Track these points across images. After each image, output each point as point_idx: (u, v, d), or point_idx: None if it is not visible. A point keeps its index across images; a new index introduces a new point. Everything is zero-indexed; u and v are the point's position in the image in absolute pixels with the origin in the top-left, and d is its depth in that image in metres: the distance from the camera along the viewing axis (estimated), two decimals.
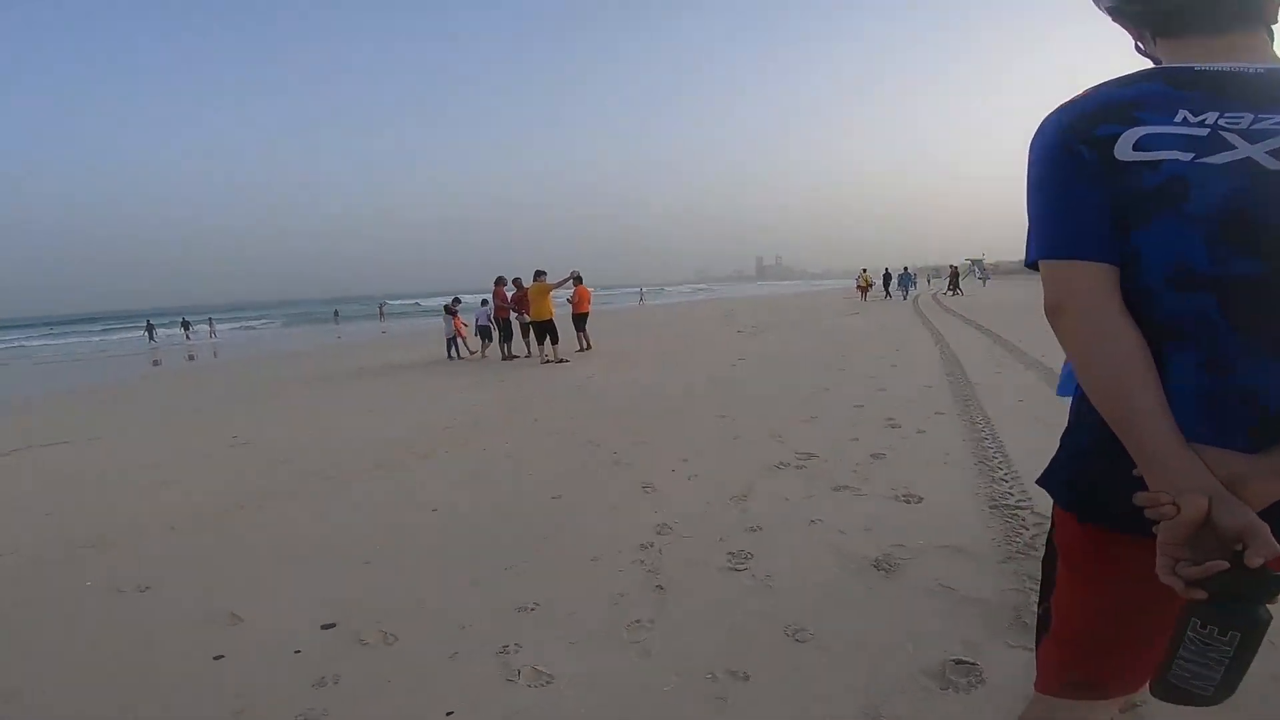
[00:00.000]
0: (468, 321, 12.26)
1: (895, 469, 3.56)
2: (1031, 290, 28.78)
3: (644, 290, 52.51)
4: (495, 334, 11.72)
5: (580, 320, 11.86)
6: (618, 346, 12.39)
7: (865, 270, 27.71)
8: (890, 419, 4.69)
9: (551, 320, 10.50)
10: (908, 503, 3.05)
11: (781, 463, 3.82)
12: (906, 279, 27.24)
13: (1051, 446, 0.91)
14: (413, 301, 67.91)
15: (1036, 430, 4.02)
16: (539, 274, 10.81)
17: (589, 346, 11.70)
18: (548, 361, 10.29)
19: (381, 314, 38.28)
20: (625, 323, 19.81)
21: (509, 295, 11.61)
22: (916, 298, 25.64)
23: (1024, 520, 2.70)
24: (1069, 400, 0.92)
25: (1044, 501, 2.69)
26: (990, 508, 2.88)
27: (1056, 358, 7.06)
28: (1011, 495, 3.01)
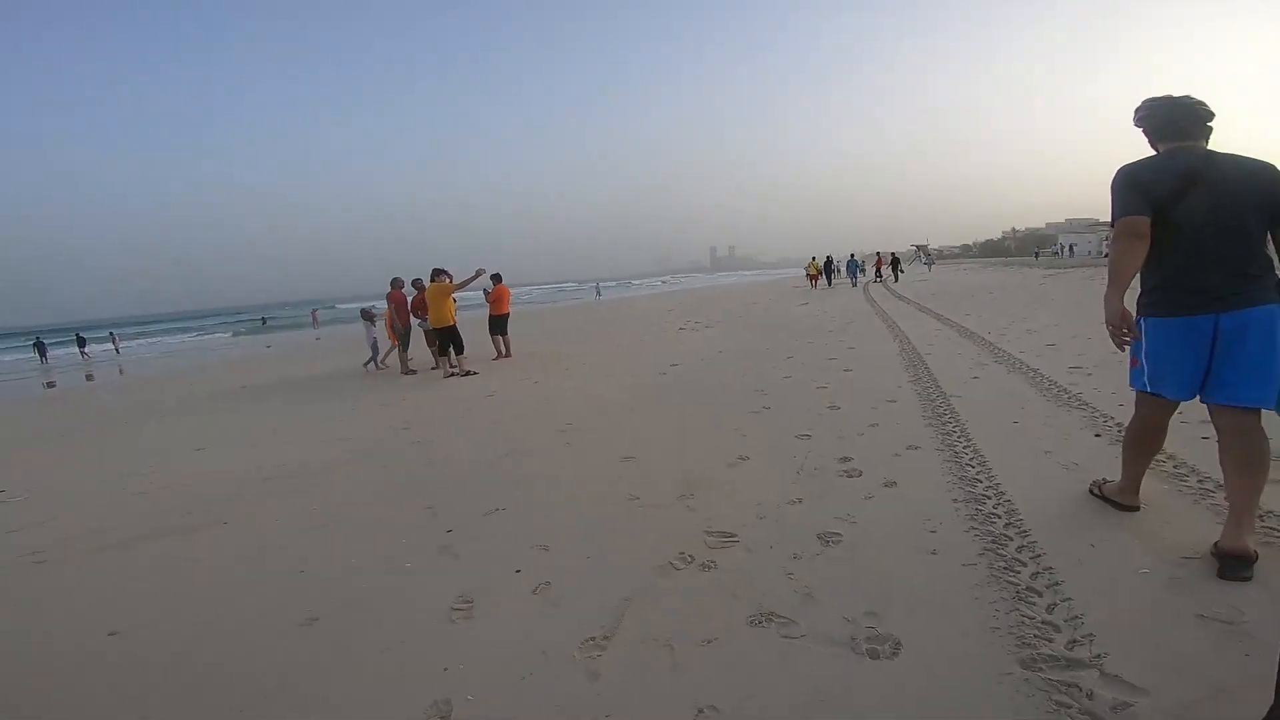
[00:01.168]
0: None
1: (857, 565, 2.30)
2: (975, 274, 29.17)
3: (600, 285, 51.13)
4: (379, 348, 10.32)
5: (498, 324, 10.38)
6: (550, 350, 10.99)
7: (815, 259, 27.27)
8: (845, 461, 3.45)
9: (453, 326, 8.97)
10: (875, 658, 1.76)
11: (684, 555, 2.50)
12: (854, 265, 26.81)
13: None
14: (364, 305, 64.40)
15: (1065, 482, 2.87)
16: (438, 273, 9.25)
17: (507, 353, 10.26)
18: (453, 374, 8.80)
19: (316, 320, 35.60)
20: (571, 322, 18.38)
21: (408, 299, 10.07)
22: (867, 284, 25.02)
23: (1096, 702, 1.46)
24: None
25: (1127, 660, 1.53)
26: (1025, 671, 1.63)
27: (1037, 354, 5.71)
28: (1058, 633, 1.77)
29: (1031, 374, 5.14)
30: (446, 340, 8.99)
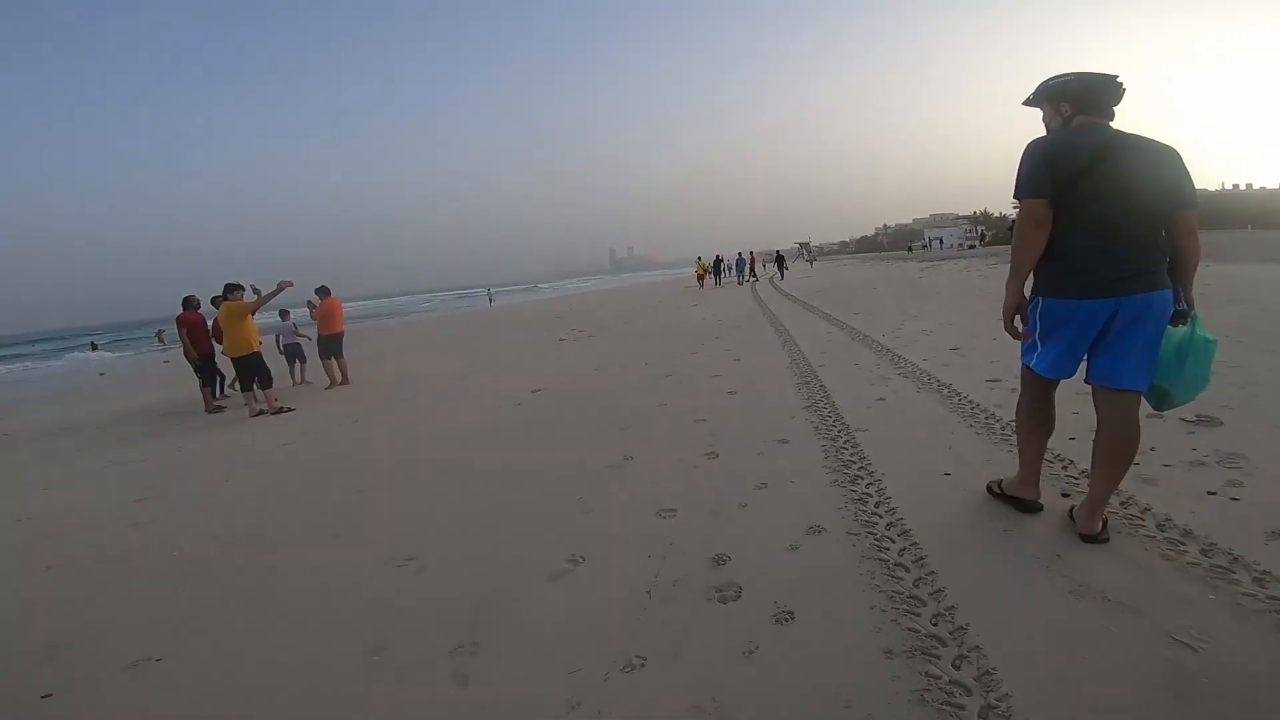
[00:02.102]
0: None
1: None
2: (856, 269, 29.99)
3: (491, 291, 48.56)
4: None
5: (330, 345, 8.56)
6: (408, 369, 9.33)
7: (701, 258, 27.41)
8: (719, 565, 2.28)
9: (255, 355, 7.12)
10: None
11: None
12: (741, 264, 26.87)
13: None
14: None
15: (1057, 602, 1.85)
16: (230, 290, 7.33)
17: (344, 379, 8.48)
18: (261, 412, 6.97)
19: (161, 340, 29.72)
20: (449, 333, 16.52)
21: (209, 322, 8.06)
22: (755, 283, 24.90)
23: None
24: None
25: None
26: None
27: (944, 362, 5.35)
28: None
29: (945, 391, 4.29)
30: (246, 372, 7.13)
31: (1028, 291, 2.14)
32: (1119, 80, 2.02)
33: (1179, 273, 1.98)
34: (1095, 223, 1.92)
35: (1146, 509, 2.25)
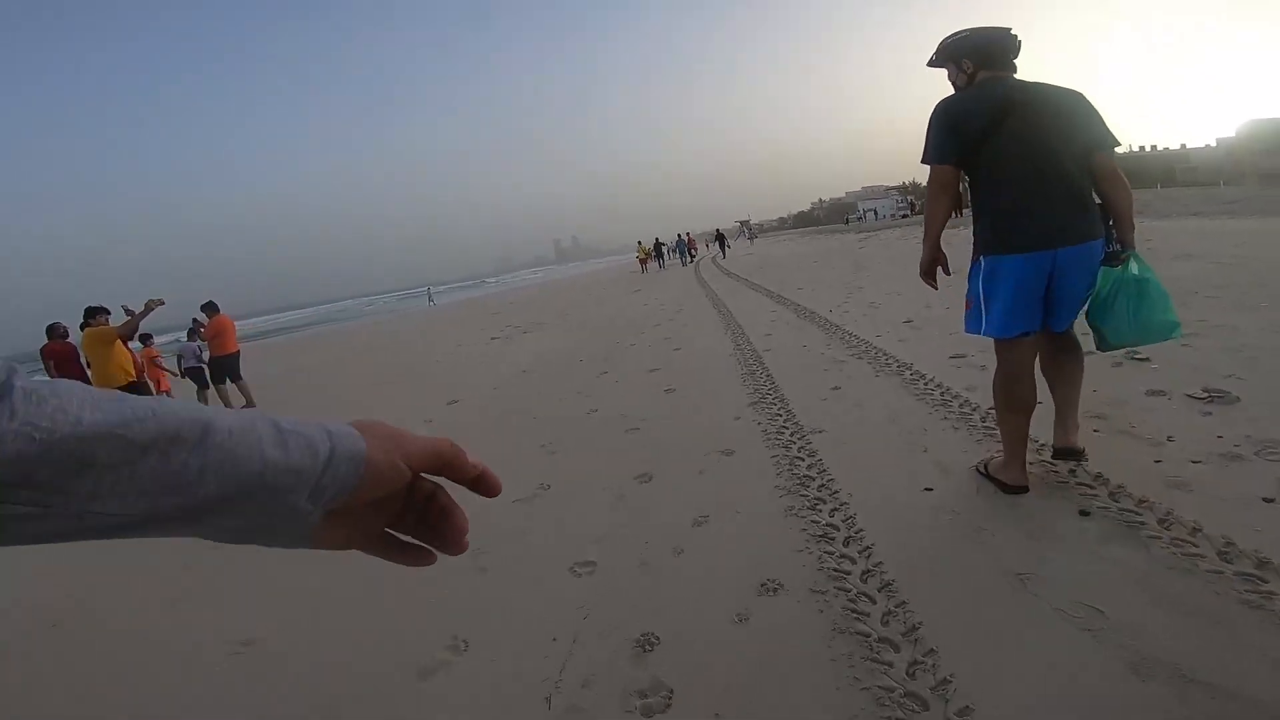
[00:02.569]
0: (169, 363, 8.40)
1: None
2: (796, 244, 29.94)
3: (432, 290, 46.53)
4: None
5: (225, 367, 7.53)
6: (317, 384, 8.42)
7: (641, 243, 26.89)
8: (646, 649, 1.67)
9: (131, 385, 6.18)
10: None
11: None
12: (682, 245, 26.50)
13: None
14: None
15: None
16: (93, 314, 6.27)
17: (247, 403, 7.49)
18: None
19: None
20: (377, 339, 15.32)
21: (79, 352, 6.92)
22: (698, 262, 24.48)
23: None
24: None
25: None
26: None
27: (898, 337, 4.81)
28: None
29: (907, 374, 3.79)
30: None
31: (960, 255, 2.11)
32: (1013, 33, 2.03)
33: (1112, 217, 1.96)
34: (1016, 176, 1.91)
35: (1195, 529, 1.73)
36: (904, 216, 46.57)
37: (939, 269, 2.18)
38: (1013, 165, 1.90)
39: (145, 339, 8.62)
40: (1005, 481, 2.12)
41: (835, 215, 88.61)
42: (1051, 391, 2.16)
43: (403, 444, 0.40)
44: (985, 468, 2.27)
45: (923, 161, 2.03)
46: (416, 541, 0.45)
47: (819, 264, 13.61)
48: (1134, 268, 1.92)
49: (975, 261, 2.05)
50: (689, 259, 26.58)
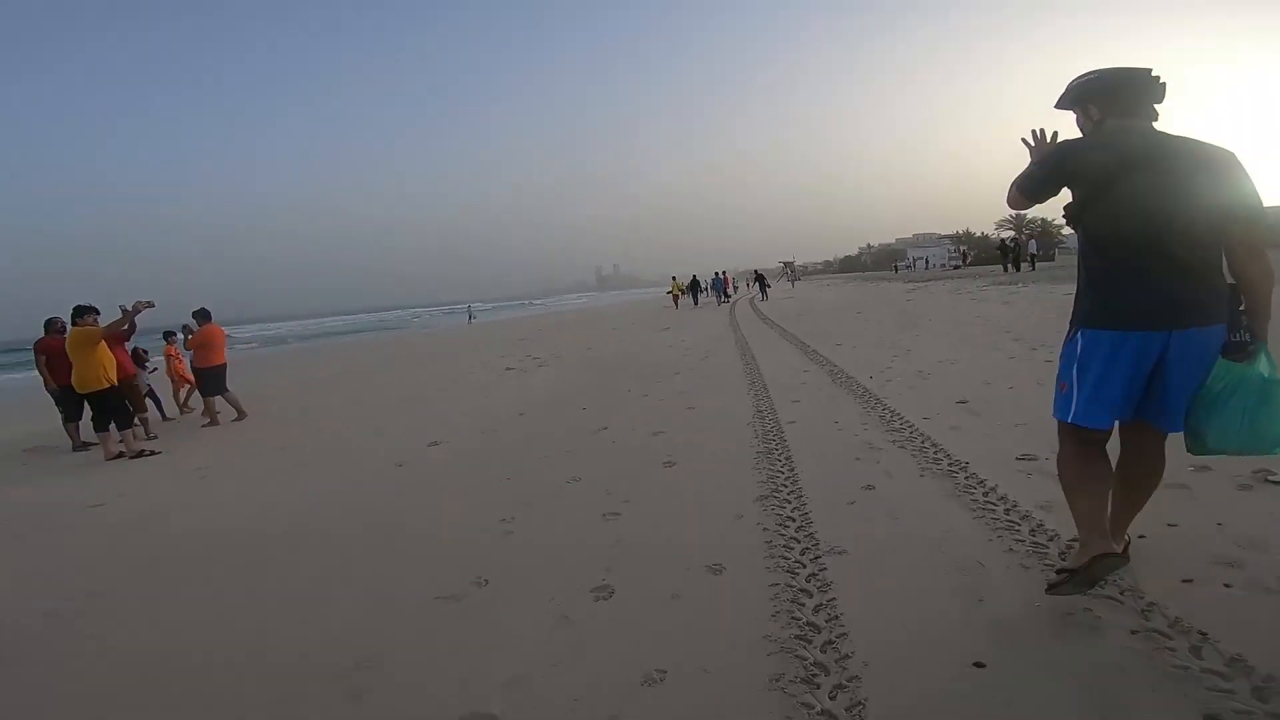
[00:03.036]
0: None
1: None
2: (839, 289, 28.76)
3: (472, 308, 46.95)
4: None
5: (212, 380, 7.15)
6: (312, 405, 8.01)
7: (675, 278, 26.64)
8: None
9: (110, 390, 5.87)
10: None
11: None
12: (718, 284, 25.94)
13: None
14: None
15: None
16: (81, 313, 5.99)
17: (238, 414, 7.09)
18: (120, 455, 5.71)
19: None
20: (397, 357, 15.08)
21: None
22: (735, 304, 23.81)
23: None
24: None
25: None
26: None
27: (950, 422, 4.00)
28: None
29: (960, 476, 3.00)
30: (101, 410, 5.80)
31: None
32: (1154, 75, 1.74)
33: (1244, 301, 1.69)
34: (1131, 240, 1.65)
35: None
36: (955, 267, 44.97)
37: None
38: (1127, 226, 1.64)
39: (168, 336, 8.43)
40: (1089, 559, 1.70)
41: (883, 261, 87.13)
42: (1117, 493, 1.88)
43: None
44: (1062, 573, 1.81)
45: (1016, 183, 1.90)
46: None
47: (862, 316, 12.75)
48: (1262, 366, 1.63)
49: (1071, 336, 1.79)
50: (724, 298, 26.02)
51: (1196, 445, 1.71)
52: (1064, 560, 1.97)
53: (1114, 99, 1.74)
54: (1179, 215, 1.60)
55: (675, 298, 25.60)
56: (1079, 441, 1.79)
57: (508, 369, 9.91)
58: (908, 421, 4.07)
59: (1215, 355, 1.65)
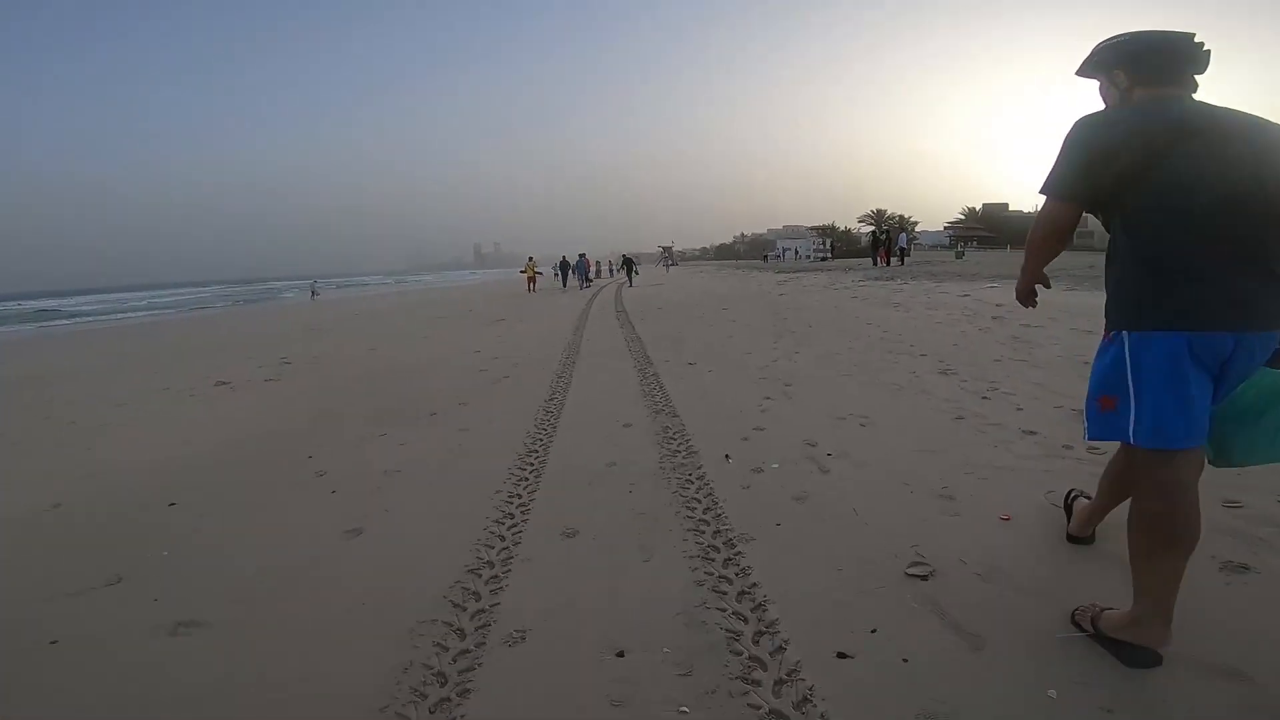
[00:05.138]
0: None
1: None
2: (712, 278, 26.60)
3: (316, 284, 40.35)
4: None
5: None
6: None
7: (532, 259, 23.75)
8: None
9: None
10: None
11: None
12: (580, 267, 23.45)
13: None
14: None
15: None
16: None
17: None
18: None
19: None
20: (153, 349, 10.81)
21: None
22: (601, 290, 21.26)
23: None
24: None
25: None
26: None
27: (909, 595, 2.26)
28: None
29: None
30: None
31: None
32: (1198, 40, 1.47)
33: None
34: (1188, 224, 1.36)
35: None
36: (823, 259, 45.69)
37: (1039, 286, 1.73)
38: (1182, 210, 1.36)
39: None
40: (1132, 642, 1.47)
41: (755, 250, 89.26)
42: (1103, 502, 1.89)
43: None
44: (1094, 623, 1.57)
45: (1041, 191, 1.52)
46: None
47: (729, 313, 10.57)
48: None
49: (1111, 340, 1.49)
50: (587, 282, 23.66)
51: (1224, 457, 1.53)
52: (1092, 611, 1.61)
53: (1149, 65, 1.49)
54: (1246, 194, 1.34)
55: (530, 280, 22.91)
56: (1168, 478, 1.43)
57: (219, 384, 6.56)
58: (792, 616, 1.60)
59: (1260, 364, 1.44)
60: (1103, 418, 1.49)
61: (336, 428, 4.26)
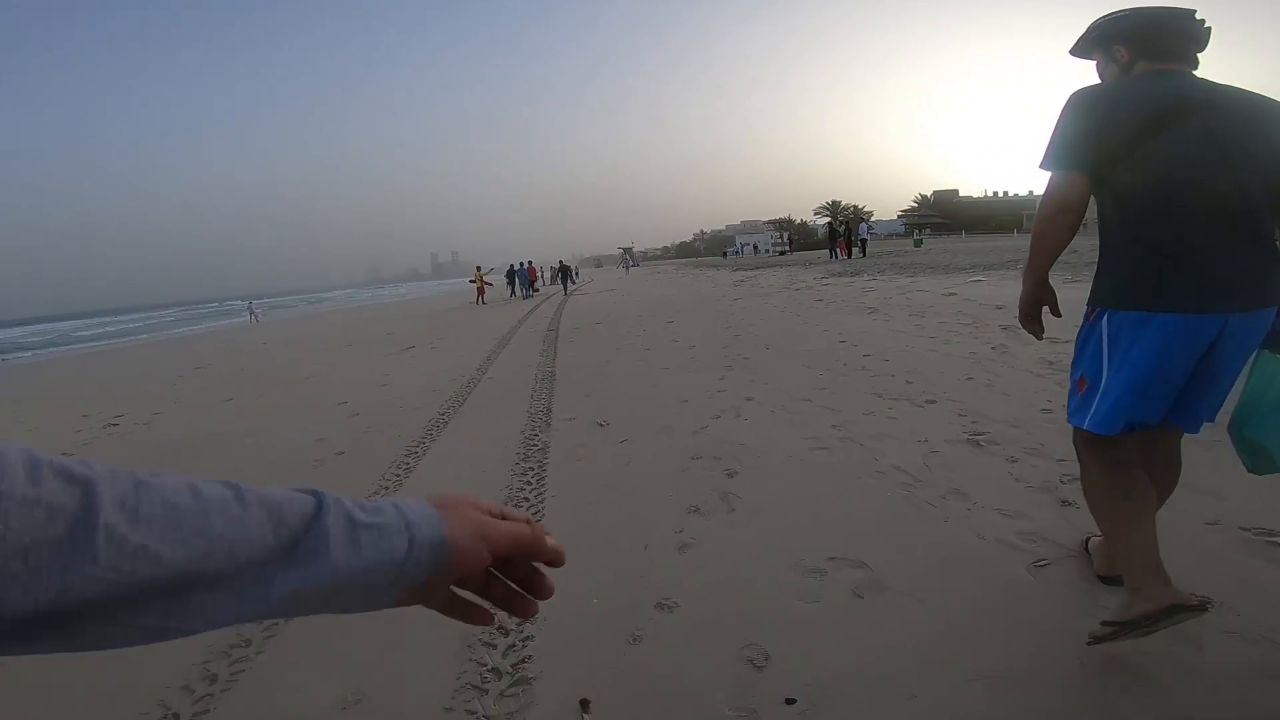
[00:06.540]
0: None
1: None
2: (668, 279, 25.43)
3: (254, 305, 37.49)
4: None
5: None
6: None
7: (480, 268, 22.36)
8: None
9: None
10: None
11: None
12: (522, 275, 22.00)
13: None
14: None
15: None
16: None
17: None
18: None
19: None
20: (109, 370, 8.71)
21: None
22: (543, 303, 19.60)
23: None
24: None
25: None
26: None
27: None
28: None
29: None
30: None
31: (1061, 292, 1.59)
32: (1198, 17, 1.46)
33: None
34: (1179, 200, 1.35)
35: None
36: (781, 253, 44.72)
37: (1045, 309, 1.60)
38: (1174, 185, 1.35)
39: None
40: (1158, 609, 1.29)
41: (714, 247, 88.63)
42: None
43: (484, 528, 0.40)
44: (1109, 625, 1.41)
45: (1041, 166, 1.48)
46: (478, 600, 0.45)
47: (675, 327, 9.01)
48: None
49: (1093, 320, 1.48)
50: (530, 292, 22.22)
51: (1261, 463, 1.42)
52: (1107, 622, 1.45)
53: (1149, 39, 1.48)
54: (1243, 171, 1.34)
55: (480, 291, 21.37)
56: (1107, 457, 1.47)
57: (108, 423, 4.66)
58: None
59: (1257, 344, 1.41)
60: (1077, 401, 1.50)
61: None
